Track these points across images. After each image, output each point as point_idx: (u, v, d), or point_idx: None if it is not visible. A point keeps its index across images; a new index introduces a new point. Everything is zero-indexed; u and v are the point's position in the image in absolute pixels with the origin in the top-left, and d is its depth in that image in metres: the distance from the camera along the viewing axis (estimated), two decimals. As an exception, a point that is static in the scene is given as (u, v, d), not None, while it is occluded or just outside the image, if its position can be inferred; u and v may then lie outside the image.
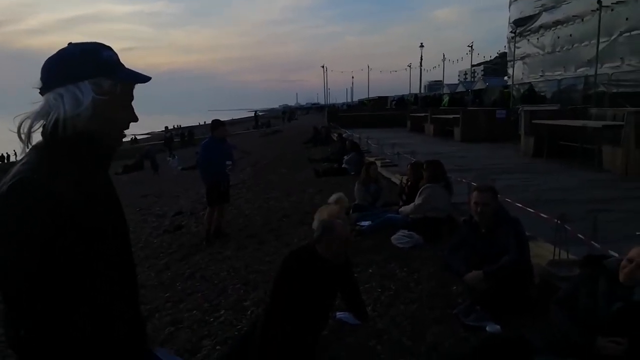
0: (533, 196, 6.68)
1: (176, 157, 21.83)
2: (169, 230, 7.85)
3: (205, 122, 64.31)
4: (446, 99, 28.08)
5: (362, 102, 52.13)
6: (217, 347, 3.50)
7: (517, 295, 3.49)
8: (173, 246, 6.84)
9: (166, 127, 33.61)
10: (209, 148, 6.77)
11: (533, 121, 11.76)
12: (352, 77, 63.47)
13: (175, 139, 31.35)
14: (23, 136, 1.18)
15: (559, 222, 4.04)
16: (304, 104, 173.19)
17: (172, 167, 19.73)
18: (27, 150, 1.19)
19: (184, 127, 52.43)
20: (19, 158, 1.19)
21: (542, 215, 4.87)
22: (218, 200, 6.89)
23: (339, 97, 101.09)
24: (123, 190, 15.26)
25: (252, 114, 67.76)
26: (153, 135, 50.98)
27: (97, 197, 1.20)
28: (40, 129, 1.19)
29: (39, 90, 1.20)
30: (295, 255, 3.27)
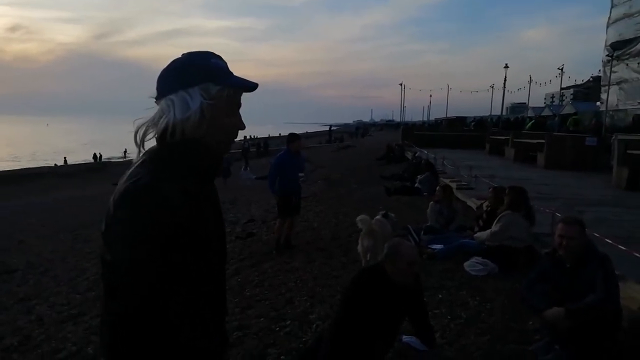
0: (625, 232, 6.14)
1: (248, 169, 22.56)
2: (240, 237, 8.09)
3: (280, 134, 66.35)
4: (529, 122, 26.58)
5: (438, 122, 51.13)
6: (282, 357, 3.54)
7: (602, 338, 3.21)
8: (244, 252, 7.04)
9: (245, 137, 34.89)
10: (283, 160, 6.93)
11: (628, 151, 10.88)
12: (430, 96, 62.52)
13: (251, 149, 32.49)
14: (138, 140, 1.24)
15: (655, 263, 3.68)
16: (378, 120, 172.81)
17: (243, 178, 20.34)
18: (141, 154, 1.24)
19: (260, 138, 54.22)
20: (134, 161, 1.24)
21: (635, 254, 4.46)
22: (289, 212, 7.02)
23: (415, 115, 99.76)
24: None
25: (326, 128, 68.67)
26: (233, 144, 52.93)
27: (204, 204, 1.23)
28: (155, 135, 1.24)
29: (154, 100, 1.26)
30: (366, 274, 3.24)
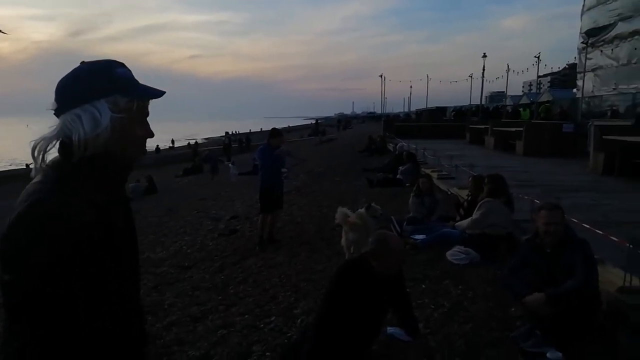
0: (602, 217, 6.27)
1: (234, 164, 22.37)
2: (224, 234, 8.03)
3: (262, 128, 65.92)
4: (526, 110, 25.86)
5: (418, 113, 51.48)
6: (267, 354, 3.52)
7: (582, 321, 3.28)
8: (228, 249, 6.99)
9: (226, 133, 34.61)
10: (264, 154, 6.92)
11: (604, 137, 11.10)
12: (411, 87, 62.70)
13: (233, 145, 32.25)
14: (38, 157, 1.17)
15: (630, 246, 3.76)
16: (360, 112, 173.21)
17: (232, 173, 20.16)
18: (41, 170, 1.17)
19: (241, 133, 53.78)
20: (33, 177, 1.18)
21: (612, 238, 4.55)
22: (271, 207, 6.99)
23: (396, 107, 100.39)
24: (183, 192, 15.86)
25: (308, 122, 68.49)
26: (211, 140, 52.48)
27: (113, 215, 1.19)
28: (57, 149, 1.18)
29: (53, 112, 1.19)
30: (349, 266, 3.24)
